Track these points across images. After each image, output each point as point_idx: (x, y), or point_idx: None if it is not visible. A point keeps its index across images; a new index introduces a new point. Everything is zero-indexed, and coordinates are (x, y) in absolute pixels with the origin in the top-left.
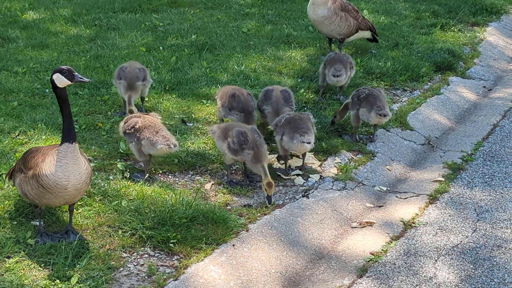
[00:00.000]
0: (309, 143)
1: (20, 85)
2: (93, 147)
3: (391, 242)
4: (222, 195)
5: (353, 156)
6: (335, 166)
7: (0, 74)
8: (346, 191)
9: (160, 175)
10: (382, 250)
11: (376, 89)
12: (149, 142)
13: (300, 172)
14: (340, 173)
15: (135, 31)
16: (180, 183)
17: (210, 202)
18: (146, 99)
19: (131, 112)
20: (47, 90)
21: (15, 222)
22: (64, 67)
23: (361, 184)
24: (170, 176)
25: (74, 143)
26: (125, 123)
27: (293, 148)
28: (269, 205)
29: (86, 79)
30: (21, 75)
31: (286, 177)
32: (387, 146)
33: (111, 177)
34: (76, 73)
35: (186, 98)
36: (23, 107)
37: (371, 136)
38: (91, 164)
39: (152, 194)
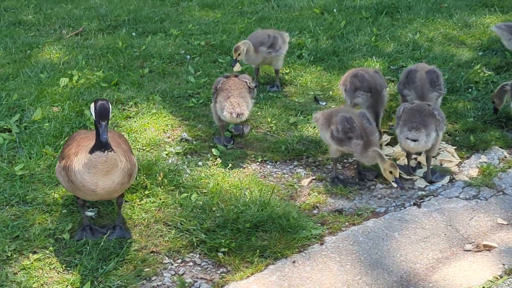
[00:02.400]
0: (414, 140)
1: (164, 49)
2: (200, 125)
3: (501, 277)
4: (316, 195)
5: (507, 155)
6: (477, 167)
7: (154, 37)
8: (476, 201)
9: (258, 163)
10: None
11: None
12: (219, 106)
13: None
14: (480, 177)
15: None
16: (275, 175)
17: (294, 203)
18: (286, 70)
19: (236, 49)
20: (188, 57)
21: (65, 211)
22: (104, 102)
23: (501, 193)
24: (268, 166)
25: (107, 152)
26: None
27: (400, 144)
28: (401, 187)
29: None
30: (173, 38)
31: (408, 177)
32: None
33: (200, 163)
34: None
35: (331, 71)
36: (153, 74)
37: None
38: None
39: (230, 188)
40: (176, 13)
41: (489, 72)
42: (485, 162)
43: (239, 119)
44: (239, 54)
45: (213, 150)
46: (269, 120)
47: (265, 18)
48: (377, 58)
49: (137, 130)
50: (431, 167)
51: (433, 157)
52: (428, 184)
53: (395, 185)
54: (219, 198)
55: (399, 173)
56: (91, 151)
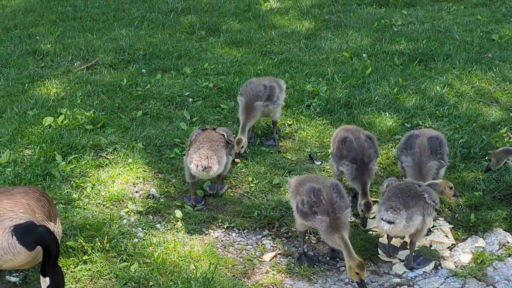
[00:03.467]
0: (390, 222)
1: (168, 90)
2: (175, 180)
3: None
4: (275, 274)
5: (510, 241)
6: (472, 252)
7: (164, 75)
8: None
9: (224, 230)
10: None
11: None
12: (189, 159)
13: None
14: (471, 265)
15: (361, 27)
16: (237, 246)
17: (245, 283)
18: (289, 122)
19: (238, 142)
20: (190, 100)
21: None
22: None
23: (491, 287)
24: (233, 234)
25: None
26: None
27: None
28: None
29: None
30: (183, 78)
31: (386, 259)
32: None
33: (158, 226)
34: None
35: (337, 126)
36: (145, 118)
37: None
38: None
39: (177, 259)
40: (198, 50)
41: None
42: (482, 247)
43: (205, 173)
44: (242, 147)
45: (176, 211)
46: (250, 179)
47: (287, 60)
48: (393, 114)
49: (104, 181)
50: (416, 248)
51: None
52: (407, 270)
53: None
54: (160, 271)
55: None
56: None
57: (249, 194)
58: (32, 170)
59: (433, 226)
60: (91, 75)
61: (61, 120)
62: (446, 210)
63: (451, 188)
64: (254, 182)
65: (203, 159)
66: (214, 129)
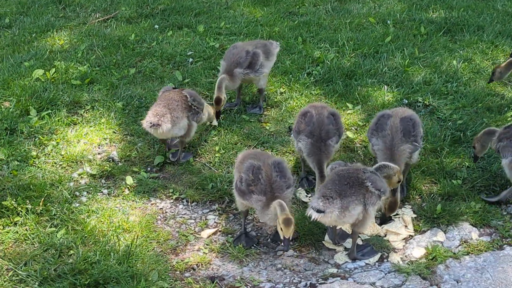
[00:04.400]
0: (319, 211)
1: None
2: (141, 143)
3: None
4: (206, 252)
5: (474, 237)
6: (426, 247)
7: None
8: None
9: (172, 200)
10: None
11: None
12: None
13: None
14: (422, 261)
15: None
16: (179, 219)
17: (168, 260)
18: (282, 89)
19: (217, 102)
20: (190, 60)
21: None
22: None
23: (435, 287)
24: (180, 206)
25: None
26: None
27: None
28: (285, 251)
29: None
30: (193, 36)
31: (331, 247)
32: None
33: (104, 191)
34: None
35: (330, 97)
36: (137, 77)
37: None
38: None
39: (107, 228)
40: (221, 7)
41: None
42: (440, 242)
43: (154, 131)
44: (221, 106)
45: (127, 178)
46: (216, 149)
47: (307, 23)
48: (394, 88)
49: (69, 140)
50: (366, 237)
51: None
52: (349, 261)
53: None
54: (84, 240)
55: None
56: None
57: (211, 164)
58: (3, 123)
59: (396, 214)
60: (104, 28)
61: (51, 73)
62: (417, 197)
63: (398, 181)
64: (221, 152)
65: (154, 116)
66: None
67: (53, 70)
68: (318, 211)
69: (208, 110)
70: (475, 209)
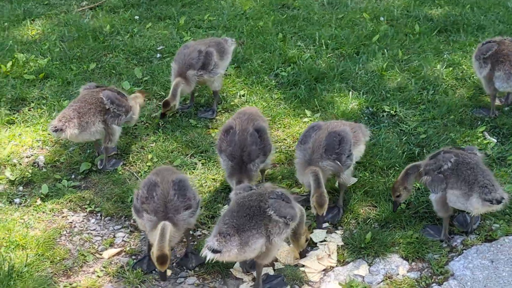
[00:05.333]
0: (215, 251)
1: (144, 42)
2: (74, 148)
3: None
4: (100, 276)
5: (402, 272)
6: (341, 283)
7: (156, 24)
8: None
9: (85, 213)
10: None
11: (469, 149)
12: None
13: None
14: None
15: None
16: (86, 235)
17: (56, 283)
18: (242, 92)
19: (165, 104)
20: (158, 55)
21: None
22: None
23: None
24: (92, 220)
25: None
26: None
27: None
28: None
29: None
30: (171, 29)
31: (239, 276)
32: (492, 267)
33: (16, 200)
34: None
35: (289, 103)
36: (96, 72)
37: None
38: None
39: None
40: None
41: (492, 140)
42: (361, 276)
43: (57, 135)
44: (168, 110)
45: (43, 186)
46: (149, 157)
47: (295, 17)
48: (362, 94)
49: None
50: (281, 267)
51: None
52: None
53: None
54: None
55: None
56: None
57: (138, 174)
58: None
59: (323, 241)
60: (83, 17)
61: (8, 66)
62: (352, 221)
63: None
64: (153, 161)
65: (59, 120)
66: (106, 88)
67: (11, 63)
68: (214, 251)
69: (139, 102)
70: (410, 239)
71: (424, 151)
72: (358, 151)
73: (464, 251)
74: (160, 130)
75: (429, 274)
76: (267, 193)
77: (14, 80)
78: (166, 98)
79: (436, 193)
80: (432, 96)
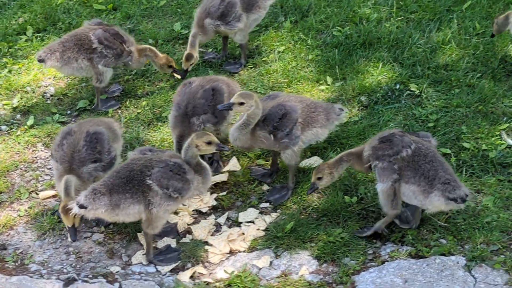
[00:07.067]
0: (82, 207)
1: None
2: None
3: None
4: None
5: (302, 272)
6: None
7: None
8: None
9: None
10: None
11: (424, 136)
12: None
13: None
14: (217, 285)
15: None
16: (37, 172)
17: None
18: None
19: (187, 58)
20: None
21: None
22: None
23: None
24: None
25: None
26: None
27: None
28: (73, 241)
29: None
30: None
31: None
32: None
33: None
34: None
35: (319, 66)
36: None
37: None
38: None
39: None
40: None
41: (509, 141)
42: (257, 268)
43: (41, 65)
44: (191, 64)
45: (30, 118)
46: (143, 104)
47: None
48: (397, 67)
49: None
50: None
51: None
52: (145, 262)
53: None
54: None
55: None
56: None
57: (125, 120)
58: None
59: (250, 221)
60: None
61: None
62: (294, 206)
63: (209, 142)
64: (146, 108)
65: (44, 50)
66: (108, 27)
67: None
68: (81, 206)
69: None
70: (333, 238)
71: None
72: (313, 134)
73: (386, 262)
74: (172, 78)
75: (330, 281)
76: (157, 160)
77: (82, 8)
78: (188, 51)
79: (384, 183)
80: (477, 80)
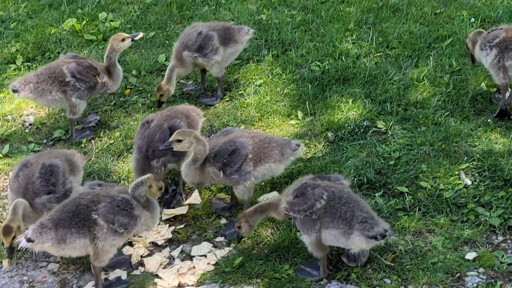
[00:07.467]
0: (29, 240)
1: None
2: None
3: None
4: None
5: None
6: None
7: None
8: None
9: None
10: None
11: (335, 179)
12: None
13: None
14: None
15: None
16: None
17: None
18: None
19: (158, 89)
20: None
21: None
22: None
23: None
24: None
25: None
26: None
27: None
28: (10, 259)
29: None
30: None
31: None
32: None
33: None
34: None
35: (293, 101)
36: None
37: None
38: None
39: None
40: None
41: (467, 181)
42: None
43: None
44: (161, 95)
45: (5, 147)
46: (116, 135)
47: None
48: (368, 104)
49: None
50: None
51: None
52: None
53: None
54: None
55: None
56: None
57: (96, 150)
58: None
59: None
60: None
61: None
62: (248, 241)
63: (161, 189)
64: (119, 139)
65: (19, 81)
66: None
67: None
68: (28, 240)
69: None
70: (279, 275)
71: (378, 181)
72: (266, 169)
73: None
74: (150, 109)
75: None
76: (105, 195)
77: (73, 38)
78: (160, 83)
79: (311, 236)
80: (444, 118)
